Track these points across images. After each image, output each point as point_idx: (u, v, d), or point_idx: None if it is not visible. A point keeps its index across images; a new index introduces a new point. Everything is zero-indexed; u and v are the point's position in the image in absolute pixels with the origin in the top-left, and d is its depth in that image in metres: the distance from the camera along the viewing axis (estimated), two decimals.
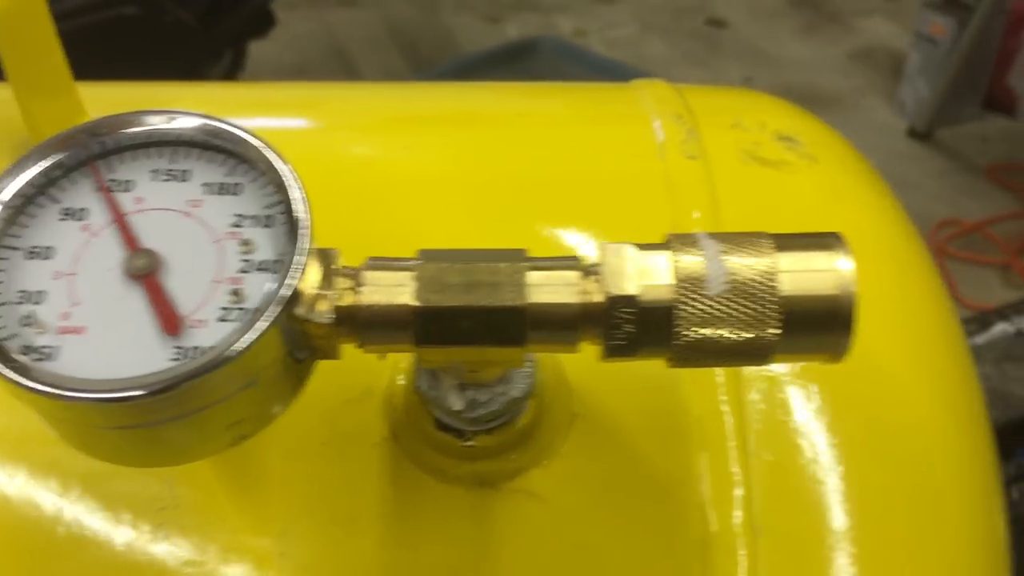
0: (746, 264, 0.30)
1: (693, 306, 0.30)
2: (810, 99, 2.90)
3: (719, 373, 0.41)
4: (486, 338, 0.30)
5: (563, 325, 0.30)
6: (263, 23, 2.33)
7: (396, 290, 0.30)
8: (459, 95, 0.54)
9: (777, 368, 0.41)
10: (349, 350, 0.34)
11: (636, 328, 0.30)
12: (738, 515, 0.38)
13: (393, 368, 0.39)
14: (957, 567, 0.40)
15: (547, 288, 0.30)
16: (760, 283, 0.30)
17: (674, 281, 0.30)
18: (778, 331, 0.30)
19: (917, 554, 0.40)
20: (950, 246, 2.39)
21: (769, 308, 0.30)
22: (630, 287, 0.30)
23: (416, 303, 0.30)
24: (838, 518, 0.39)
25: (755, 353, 0.30)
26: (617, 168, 0.47)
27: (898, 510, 0.40)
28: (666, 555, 0.38)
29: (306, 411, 0.39)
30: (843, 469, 0.40)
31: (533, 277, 0.30)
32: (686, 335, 0.30)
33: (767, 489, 0.39)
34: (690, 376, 0.40)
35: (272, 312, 0.28)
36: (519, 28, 3.14)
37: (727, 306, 0.30)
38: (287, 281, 0.28)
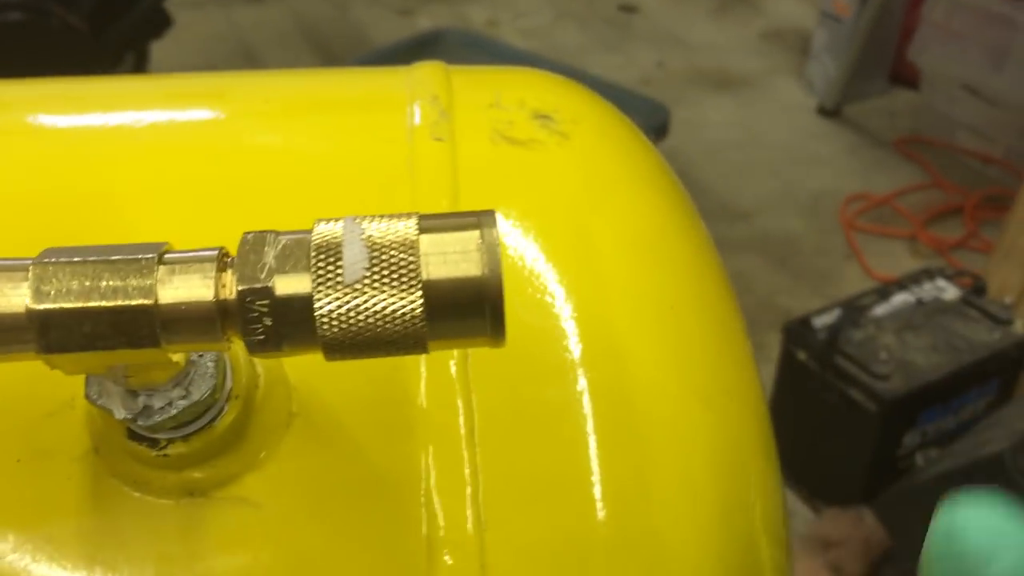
0: (388, 248, 0.28)
1: (331, 295, 0.28)
2: (722, 81, 2.92)
3: (451, 363, 0.39)
4: (116, 342, 0.28)
5: (199, 323, 0.28)
6: (158, 24, 2.28)
7: (9, 293, 0.28)
8: (215, 83, 0.52)
9: (512, 355, 0.40)
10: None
11: (274, 321, 0.28)
12: (465, 510, 0.37)
13: None
14: (702, 550, 0.39)
15: (177, 284, 0.28)
16: (402, 268, 0.28)
17: (311, 269, 0.28)
18: (424, 318, 0.28)
19: (660, 539, 0.39)
20: (859, 220, 2.42)
21: (412, 294, 0.28)
22: (263, 278, 0.28)
23: (30, 307, 0.28)
24: (571, 507, 0.38)
25: (408, 343, 0.29)
26: (365, 155, 0.46)
27: (639, 498, 0.39)
28: (391, 556, 0.36)
29: None
30: (580, 458, 0.39)
31: (162, 272, 0.28)
32: (329, 327, 0.28)
33: (496, 482, 0.37)
34: (418, 367, 0.39)
35: None
36: (431, 20, 3.12)
37: (368, 294, 0.28)
38: None
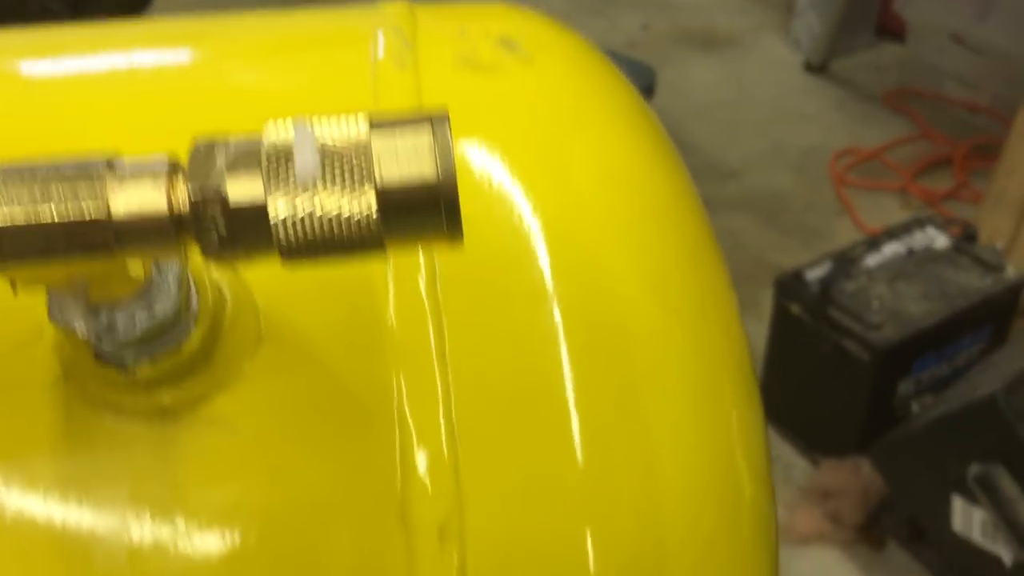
0: (339, 150, 0.28)
1: (284, 200, 0.28)
2: (707, 41, 2.90)
3: (420, 282, 0.39)
4: (70, 249, 0.28)
5: (152, 230, 0.28)
6: (136, 3, 2.27)
7: None
8: (180, 27, 0.52)
9: (481, 274, 0.40)
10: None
11: (228, 227, 0.28)
12: (439, 424, 0.37)
13: None
14: (678, 459, 0.40)
15: (128, 191, 0.28)
16: (354, 169, 0.28)
17: (262, 173, 0.28)
18: (379, 220, 0.28)
19: (632, 449, 0.39)
20: (849, 175, 2.42)
21: (366, 196, 0.28)
22: (214, 184, 0.28)
23: None
24: (546, 419, 0.38)
25: (364, 244, 0.29)
26: (329, 89, 0.45)
27: (612, 406, 0.39)
28: (366, 471, 0.37)
29: None
30: (552, 371, 0.39)
31: (112, 180, 0.28)
32: (283, 232, 0.28)
33: (469, 397, 0.38)
34: (386, 286, 0.39)
35: None
36: None
37: (322, 197, 0.28)
38: None
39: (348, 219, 0.28)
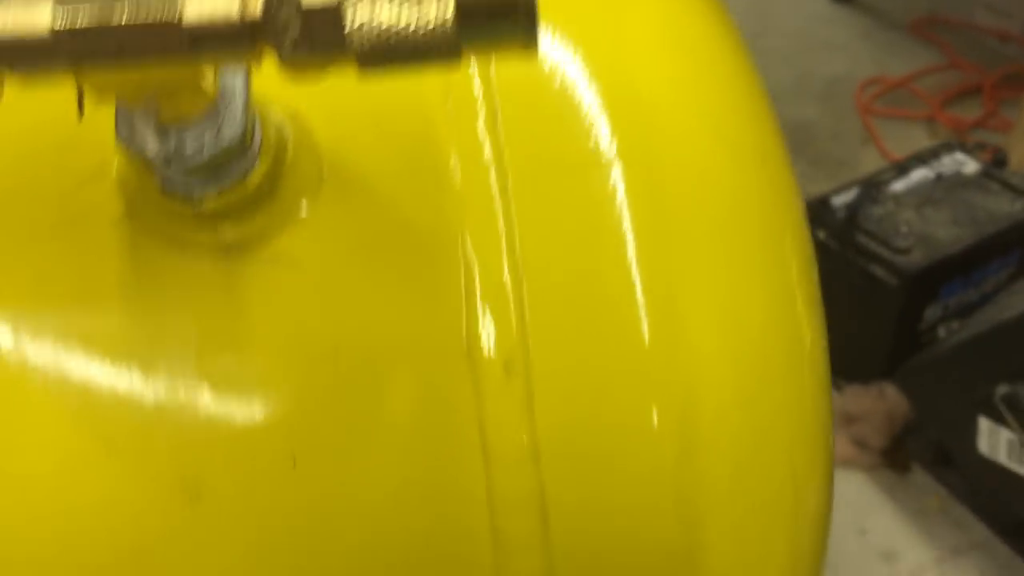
0: None
1: (358, 1, 0.28)
2: None
3: (480, 127, 0.39)
4: (143, 53, 0.28)
5: (225, 34, 0.28)
6: None
7: (33, 11, 0.27)
8: None
9: (540, 113, 0.40)
10: (79, 126, 0.32)
11: (302, 31, 0.28)
12: (502, 261, 0.37)
13: None
14: (741, 306, 0.39)
15: None
16: None
17: None
18: (455, 24, 0.28)
19: (696, 296, 0.39)
20: (876, 104, 2.38)
21: None
22: None
23: (55, 25, 0.27)
24: (606, 259, 0.38)
25: (440, 50, 0.28)
26: None
27: (674, 253, 0.39)
28: (430, 307, 0.37)
29: (28, 196, 0.37)
30: (612, 208, 0.38)
31: None
32: (358, 34, 0.28)
33: (531, 235, 0.37)
34: (447, 132, 0.38)
35: None
36: None
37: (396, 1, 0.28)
38: None
39: (424, 22, 0.28)
